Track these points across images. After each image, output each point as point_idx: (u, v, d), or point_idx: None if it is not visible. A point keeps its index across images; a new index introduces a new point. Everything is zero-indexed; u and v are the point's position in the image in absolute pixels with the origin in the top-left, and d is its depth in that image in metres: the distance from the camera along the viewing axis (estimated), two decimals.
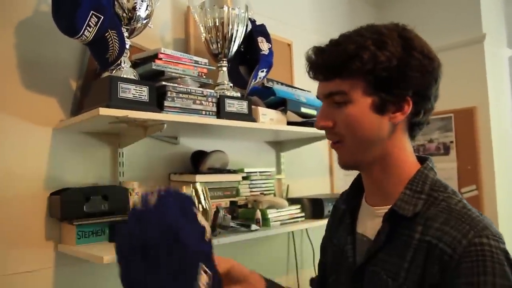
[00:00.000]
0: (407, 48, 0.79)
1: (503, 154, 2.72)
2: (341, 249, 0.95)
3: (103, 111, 1.16)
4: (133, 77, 1.32)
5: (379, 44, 0.78)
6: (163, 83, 1.36)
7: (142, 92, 1.29)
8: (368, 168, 0.86)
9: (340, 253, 0.95)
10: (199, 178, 1.56)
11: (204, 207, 0.93)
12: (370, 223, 0.89)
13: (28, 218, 1.34)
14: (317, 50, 0.84)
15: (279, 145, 2.11)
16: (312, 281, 1.16)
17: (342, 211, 1.01)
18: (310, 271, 2.18)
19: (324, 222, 1.79)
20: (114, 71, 1.31)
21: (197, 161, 1.66)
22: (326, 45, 0.84)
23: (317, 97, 0.89)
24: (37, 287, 1.35)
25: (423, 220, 0.78)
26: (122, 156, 1.55)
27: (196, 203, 0.90)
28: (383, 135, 0.82)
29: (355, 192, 0.97)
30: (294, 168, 2.18)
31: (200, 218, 0.79)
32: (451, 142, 2.73)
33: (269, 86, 1.79)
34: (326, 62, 0.81)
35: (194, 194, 0.93)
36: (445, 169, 2.69)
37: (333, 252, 1.00)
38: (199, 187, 0.95)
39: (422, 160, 0.88)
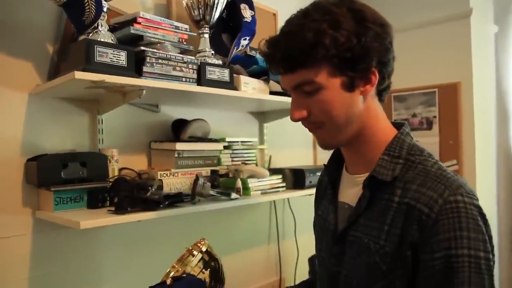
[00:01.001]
0: (360, 21, 0.78)
1: (485, 130, 2.75)
2: (324, 219, 0.97)
3: (79, 74, 1.14)
4: (110, 41, 1.29)
5: (334, 25, 0.76)
6: (142, 48, 1.33)
7: (120, 57, 1.26)
8: (348, 143, 0.87)
9: (323, 222, 0.97)
10: (180, 146, 1.55)
11: (216, 265, 0.95)
12: (351, 191, 0.90)
13: (4, 185, 1.33)
14: (272, 44, 0.82)
15: (262, 115, 2.10)
16: (310, 260, 1.18)
17: (325, 183, 1.03)
18: (292, 241, 2.21)
19: (305, 192, 1.82)
20: (91, 35, 1.27)
21: (178, 130, 1.64)
22: (279, 36, 0.81)
23: (283, 89, 0.88)
24: (15, 252, 1.34)
25: (402, 183, 0.80)
26: (102, 123, 1.52)
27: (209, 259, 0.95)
28: (357, 110, 0.83)
29: (336, 163, 0.98)
30: (277, 139, 2.18)
31: None
32: (434, 117, 2.74)
33: (252, 55, 1.77)
34: (286, 54, 0.79)
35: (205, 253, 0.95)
36: (427, 143, 2.71)
37: (318, 223, 1.02)
38: (203, 247, 0.97)
39: (398, 126, 0.89)
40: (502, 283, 2.83)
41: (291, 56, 0.79)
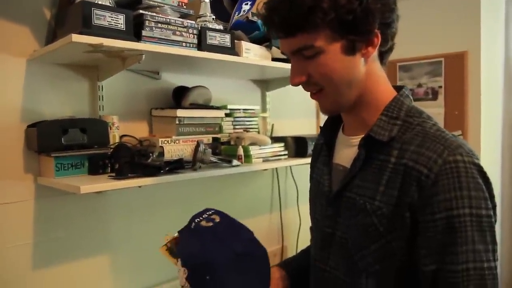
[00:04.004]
0: None
1: (491, 100, 2.71)
2: (318, 181, 0.96)
3: (76, 37, 1.11)
4: (108, 4, 1.26)
5: None
6: (141, 11, 1.30)
7: (118, 20, 1.24)
8: (350, 108, 0.86)
9: (318, 185, 0.96)
10: (181, 113, 1.54)
11: None
12: (346, 152, 0.90)
13: (5, 151, 1.33)
14: (270, 8, 0.79)
15: (265, 83, 2.07)
16: (311, 228, 1.19)
17: (320, 146, 1.02)
18: (294, 210, 2.22)
19: (307, 160, 1.80)
20: None
21: (179, 97, 1.63)
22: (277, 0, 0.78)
23: (282, 53, 0.86)
24: (18, 218, 1.35)
25: (399, 144, 0.79)
26: (102, 90, 1.51)
27: None
28: (358, 73, 0.81)
29: (332, 124, 0.97)
30: (280, 108, 2.16)
31: None
32: (440, 87, 2.71)
33: (253, 20, 1.72)
34: (284, 19, 0.77)
35: None
36: (432, 114, 2.65)
37: (313, 186, 1.02)
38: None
39: (398, 89, 0.88)
40: (503, 254, 2.85)
41: (289, 21, 0.77)
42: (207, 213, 0.98)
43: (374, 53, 0.81)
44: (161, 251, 0.96)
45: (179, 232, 0.95)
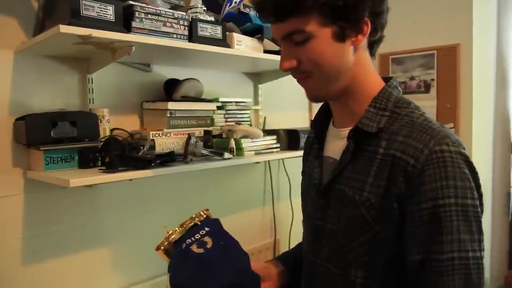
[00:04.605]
0: None
1: (483, 93, 2.71)
2: (310, 174, 0.97)
3: (64, 28, 1.10)
4: None
5: None
6: (130, 2, 1.28)
7: (107, 11, 1.22)
8: (337, 97, 0.86)
9: (309, 177, 0.97)
10: (172, 105, 1.52)
11: None
12: (336, 144, 0.90)
13: None
14: None
15: (257, 76, 2.06)
16: (303, 222, 1.19)
17: (311, 140, 1.02)
18: (286, 203, 2.22)
19: (299, 153, 1.80)
20: None
21: (171, 89, 1.61)
22: None
23: (273, 38, 0.85)
24: (7, 213, 1.34)
25: (387, 135, 0.79)
26: (92, 83, 1.49)
27: None
28: (348, 61, 0.81)
29: (323, 117, 0.97)
30: (272, 101, 2.15)
31: None
32: (432, 79, 2.71)
33: (245, 12, 1.71)
34: (276, 3, 0.77)
35: None
36: (425, 107, 2.67)
37: (304, 179, 1.02)
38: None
39: (386, 80, 0.88)
40: (493, 246, 2.87)
41: (281, 5, 0.76)
42: (201, 232, 0.92)
43: (364, 42, 0.82)
44: (158, 253, 0.94)
45: (174, 242, 0.92)
